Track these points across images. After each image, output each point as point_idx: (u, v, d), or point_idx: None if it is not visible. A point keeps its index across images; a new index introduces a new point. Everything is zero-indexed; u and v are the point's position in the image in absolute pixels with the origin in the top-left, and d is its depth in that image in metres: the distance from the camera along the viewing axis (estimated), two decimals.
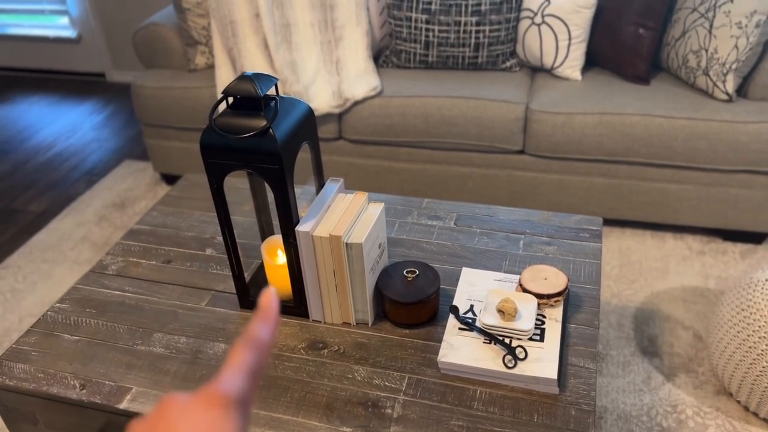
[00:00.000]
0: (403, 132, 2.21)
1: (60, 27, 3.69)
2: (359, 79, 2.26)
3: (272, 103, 1.17)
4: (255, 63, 2.28)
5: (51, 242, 2.38)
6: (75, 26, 3.63)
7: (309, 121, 1.22)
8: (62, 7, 3.58)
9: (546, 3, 2.15)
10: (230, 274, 1.37)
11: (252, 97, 1.12)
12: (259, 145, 1.11)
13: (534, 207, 2.27)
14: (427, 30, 2.26)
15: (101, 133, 3.18)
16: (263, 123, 1.12)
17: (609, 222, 2.33)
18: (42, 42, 3.74)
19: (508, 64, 2.30)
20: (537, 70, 2.34)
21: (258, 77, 1.15)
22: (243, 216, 1.55)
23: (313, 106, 2.21)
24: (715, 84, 2.00)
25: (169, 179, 2.68)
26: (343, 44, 2.34)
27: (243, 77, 1.14)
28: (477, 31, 2.22)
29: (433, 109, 2.15)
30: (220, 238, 1.48)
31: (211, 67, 2.46)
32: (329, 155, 2.37)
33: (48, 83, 3.77)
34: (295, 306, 1.24)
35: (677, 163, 2.03)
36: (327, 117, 2.26)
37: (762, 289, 1.51)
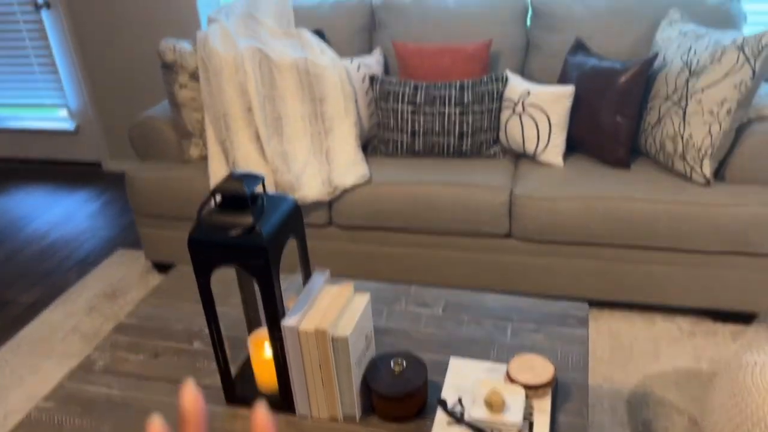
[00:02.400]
0: (392, 217, 2.25)
1: (59, 119, 3.79)
2: (348, 167, 2.32)
3: (259, 201, 1.20)
4: (247, 154, 2.34)
5: (40, 334, 2.36)
6: (74, 118, 3.74)
7: (295, 215, 1.25)
8: (62, 101, 3.70)
9: (526, 94, 2.24)
10: (217, 368, 1.36)
11: (240, 195, 1.16)
12: (246, 242, 1.14)
13: (523, 289, 2.28)
14: (413, 120, 2.34)
15: (95, 221, 3.22)
16: (250, 220, 1.15)
17: (598, 303, 2.33)
18: (41, 134, 3.84)
19: (492, 151, 2.38)
20: (520, 156, 2.42)
21: (246, 176, 1.19)
22: (231, 308, 1.56)
23: (303, 194, 2.26)
24: (692, 168, 2.06)
25: (161, 267, 2.70)
26: (332, 135, 2.42)
27: (232, 177, 1.18)
28: (461, 121, 2.30)
29: (421, 195, 2.20)
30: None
31: (204, 158, 2.52)
32: (319, 241, 2.40)
33: (46, 173, 3.84)
34: (281, 400, 1.23)
35: (661, 245, 2.06)
36: (317, 204, 2.31)
37: (752, 372, 1.50)
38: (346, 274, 2.44)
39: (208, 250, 1.16)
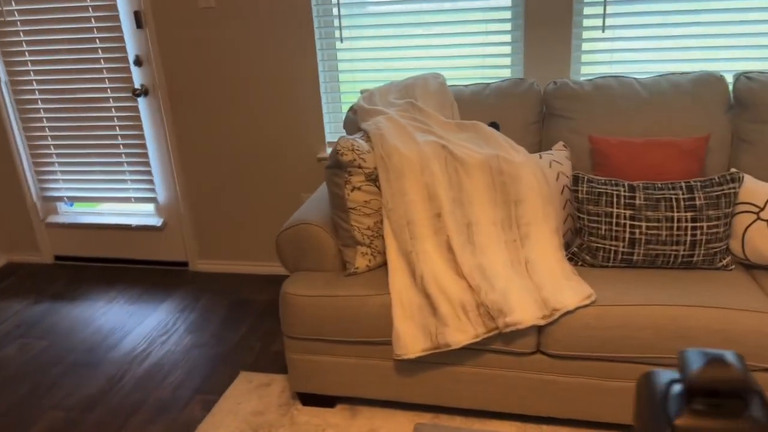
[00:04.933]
0: (626, 347, 1.85)
1: (144, 215, 3.42)
2: (561, 284, 1.94)
3: (756, 398, 0.81)
4: (436, 268, 1.96)
5: None
6: (161, 214, 3.37)
7: None
8: (150, 194, 3.33)
9: None
10: None
11: (740, 391, 0.77)
12: None
13: None
14: (632, 227, 1.98)
15: (200, 336, 2.79)
16: None
17: None
18: (122, 230, 3.46)
19: (723, 262, 2.01)
20: (751, 268, 2.05)
21: (736, 356, 0.81)
22: None
23: (516, 318, 1.86)
24: None
25: (306, 399, 2.25)
26: (529, 244, 2.05)
27: (718, 360, 0.79)
28: (693, 228, 1.95)
29: (665, 320, 1.81)
30: None
31: (372, 270, 2.13)
32: (519, 371, 1.98)
33: (126, 274, 3.43)
34: None
35: None
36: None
37: None
38: (552, 412, 2.02)
39: None
